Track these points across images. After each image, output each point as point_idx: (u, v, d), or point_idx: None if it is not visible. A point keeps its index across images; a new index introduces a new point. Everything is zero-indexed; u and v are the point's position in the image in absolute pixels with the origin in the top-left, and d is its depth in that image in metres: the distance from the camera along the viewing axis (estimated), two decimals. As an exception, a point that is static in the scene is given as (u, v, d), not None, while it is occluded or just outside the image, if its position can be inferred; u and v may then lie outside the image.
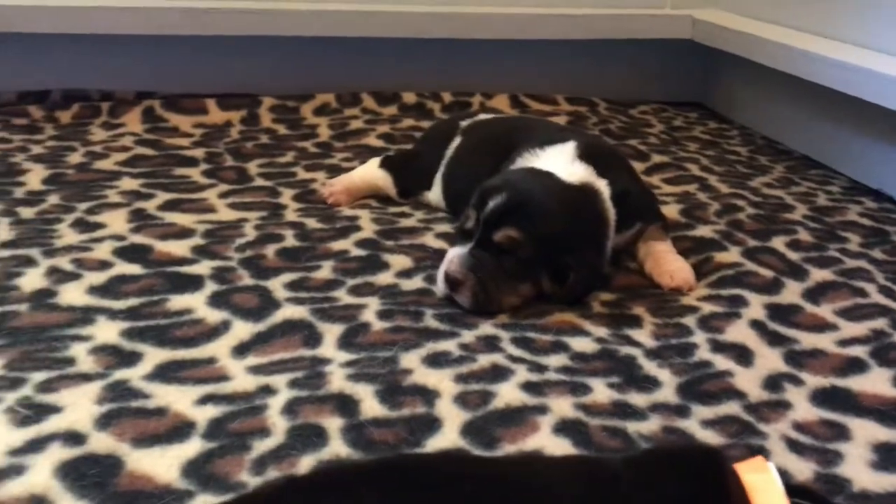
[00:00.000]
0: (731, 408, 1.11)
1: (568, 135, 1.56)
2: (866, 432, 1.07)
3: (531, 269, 1.35)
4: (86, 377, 1.09)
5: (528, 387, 1.12)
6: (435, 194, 1.71)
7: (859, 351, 1.26)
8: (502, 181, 1.39)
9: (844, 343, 1.28)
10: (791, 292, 1.44)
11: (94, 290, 1.32)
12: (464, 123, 1.76)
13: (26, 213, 1.59)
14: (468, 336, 1.25)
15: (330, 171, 1.89)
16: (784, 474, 0.74)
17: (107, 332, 1.20)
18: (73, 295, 1.30)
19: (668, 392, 1.14)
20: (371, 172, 1.78)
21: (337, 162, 1.97)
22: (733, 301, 1.39)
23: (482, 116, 1.82)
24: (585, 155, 1.46)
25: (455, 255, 1.34)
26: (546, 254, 1.34)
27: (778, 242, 1.63)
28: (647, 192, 1.63)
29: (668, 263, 1.45)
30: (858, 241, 1.69)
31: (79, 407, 1.02)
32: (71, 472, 0.90)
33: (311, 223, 1.62)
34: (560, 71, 2.57)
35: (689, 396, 1.13)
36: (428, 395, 1.09)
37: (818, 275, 1.51)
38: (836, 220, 1.79)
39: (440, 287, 1.35)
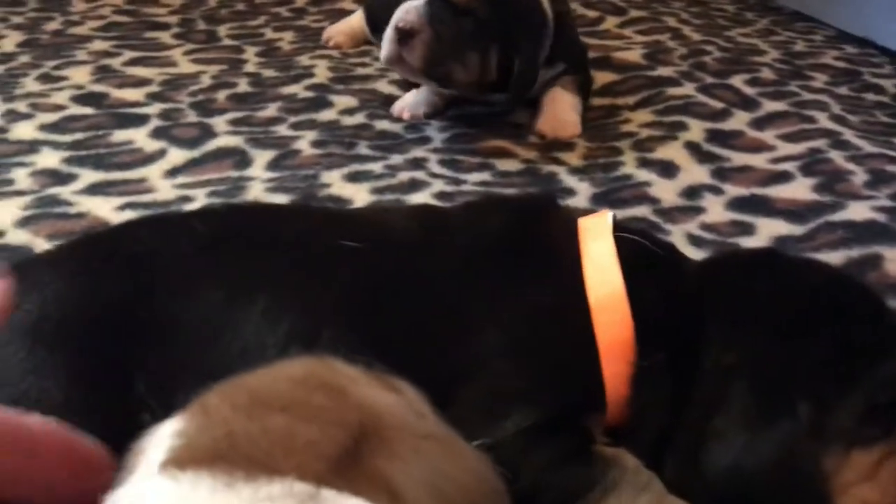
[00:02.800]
0: (641, 211, 1.12)
1: None
2: (770, 228, 1.07)
3: (484, 37, 1.28)
4: (20, 193, 1.15)
5: (441, 196, 1.15)
6: None
7: (789, 166, 1.25)
8: None
9: (777, 160, 1.28)
10: (738, 120, 1.43)
11: (44, 127, 1.37)
12: None
13: (-6, 69, 1.65)
14: (397, 159, 1.27)
15: (298, 31, 1.90)
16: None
17: (49, 159, 1.26)
18: (23, 131, 1.35)
19: (581, 199, 1.15)
20: (359, 14, 1.79)
21: (307, 24, 1.97)
22: (673, 126, 1.38)
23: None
24: None
25: (411, 4, 1.23)
26: (500, 21, 1.27)
27: (737, 80, 1.60)
28: (581, 43, 1.56)
29: (555, 112, 1.37)
30: (825, 79, 1.65)
31: (4, 212, 1.08)
32: (-17, 258, 0.96)
33: (268, 72, 1.64)
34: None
35: (602, 202, 1.14)
36: (341, 203, 1.12)
37: (770, 106, 1.48)
38: (808, 62, 1.74)
39: (386, 47, 1.25)
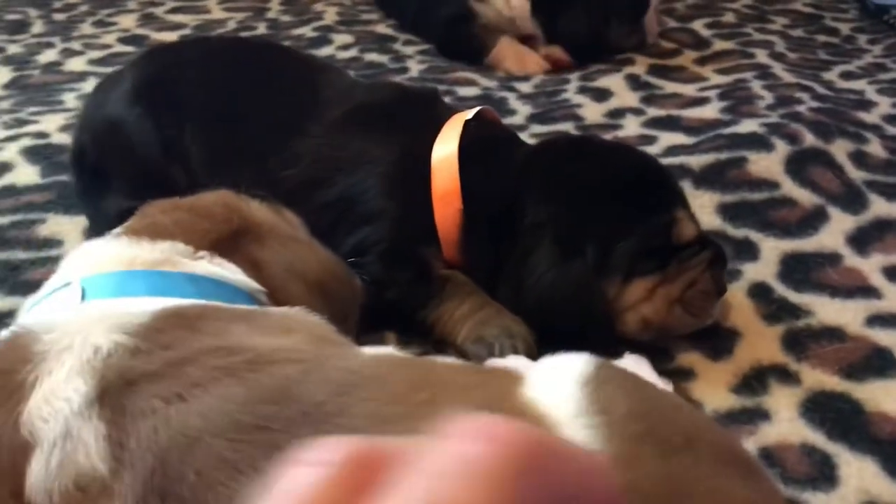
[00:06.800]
0: (566, 127, 1.33)
1: None
2: (668, 140, 1.26)
3: None
4: (66, 109, 1.43)
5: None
6: None
7: (711, 93, 1.43)
8: None
9: (704, 89, 1.46)
10: (685, 59, 1.61)
11: (93, 61, 1.65)
12: None
13: (59, 17, 1.94)
14: (375, 87, 1.50)
15: (321, -17, 2.14)
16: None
17: (92, 86, 1.54)
18: (75, 65, 1.64)
19: (519, 118, 1.36)
20: None
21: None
22: (620, 62, 1.58)
23: None
24: None
25: None
26: None
27: (698, 24, 1.77)
28: None
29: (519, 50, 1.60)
30: (784, 22, 1.80)
31: (52, 123, 1.36)
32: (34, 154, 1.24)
33: (285, 18, 1.89)
34: None
35: (534, 120, 1.35)
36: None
37: (719, 45, 1.66)
38: (776, 7, 1.90)
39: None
